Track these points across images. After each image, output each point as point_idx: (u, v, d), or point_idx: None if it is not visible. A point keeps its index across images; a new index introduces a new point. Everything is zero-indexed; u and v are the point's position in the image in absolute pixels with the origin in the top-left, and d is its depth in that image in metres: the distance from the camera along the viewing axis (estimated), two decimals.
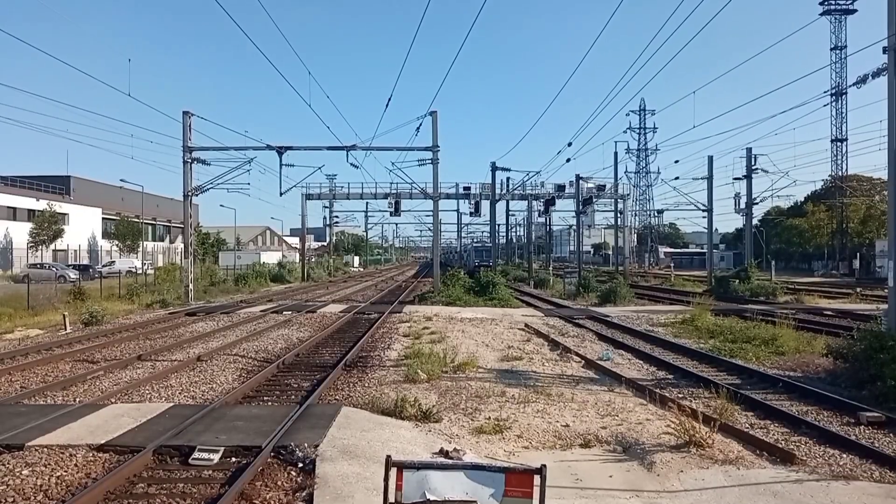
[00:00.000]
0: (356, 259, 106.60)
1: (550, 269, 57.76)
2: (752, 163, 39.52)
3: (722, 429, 8.59)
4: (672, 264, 74.16)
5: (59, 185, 71.25)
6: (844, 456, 7.97)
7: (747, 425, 9.35)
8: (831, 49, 66.78)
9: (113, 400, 10.66)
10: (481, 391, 11.26)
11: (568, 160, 56.14)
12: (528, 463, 5.99)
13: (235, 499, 6.24)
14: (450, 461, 6.21)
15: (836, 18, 66.79)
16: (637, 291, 35.81)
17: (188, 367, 13.83)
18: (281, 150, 31.83)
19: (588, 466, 7.54)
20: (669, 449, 8.02)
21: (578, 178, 47.38)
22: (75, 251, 64.67)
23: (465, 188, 53.17)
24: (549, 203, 50.97)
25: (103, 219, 75.37)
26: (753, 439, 8.46)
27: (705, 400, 10.75)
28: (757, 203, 41.72)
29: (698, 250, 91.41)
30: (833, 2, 67.19)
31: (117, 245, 71.21)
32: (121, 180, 60.13)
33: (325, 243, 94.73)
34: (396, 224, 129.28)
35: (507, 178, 52.51)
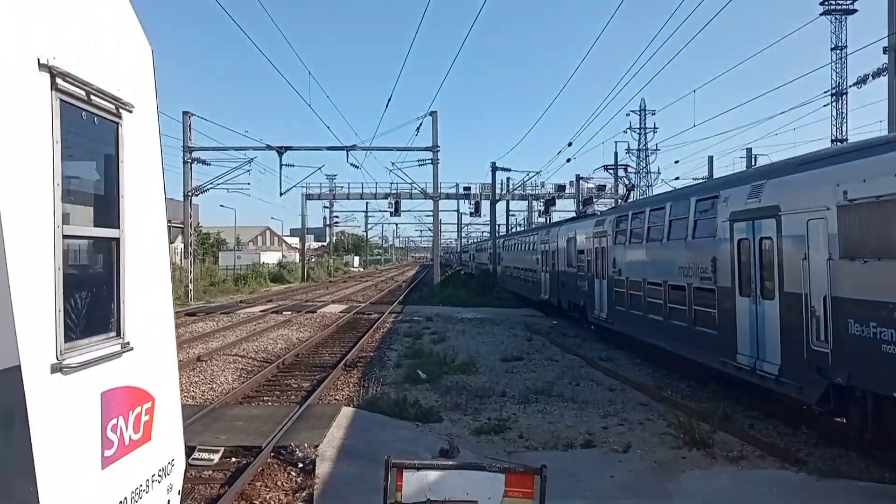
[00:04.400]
0: (356, 259, 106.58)
1: None
2: (753, 163, 39.50)
3: (723, 428, 8.57)
4: None
5: None
6: (845, 455, 7.94)
7: (749, 425, 9.33)
8: (831, 49, 66.64)
9: None
10: (482, 391, 11.25)
11: (568, 160, 55.34)
12: (528, 463, 5.96)
13: (235, 499, 6.22)
14: (450, 461, 6.20)
15: (836, 18, 66.68)
16: None
17: (188, 367, 13.81)
18: (281, 150, 31.87)
19: (589, 467, 7.52)
20: (671, 449, 8.00)
21: (579, 178, 47.38)
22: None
23: (465, 188, 53.00)
24: (550, 203, 50.89)
25: None
26: (755, 439, 8.44)
27: (707, 399, 10.73)
28: None
29: None
30: (833, 2, 67.15)
31: None
32: None
33: (325, 243, 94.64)
34: (396, 224, 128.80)
35: (508, 179, 52.30)
